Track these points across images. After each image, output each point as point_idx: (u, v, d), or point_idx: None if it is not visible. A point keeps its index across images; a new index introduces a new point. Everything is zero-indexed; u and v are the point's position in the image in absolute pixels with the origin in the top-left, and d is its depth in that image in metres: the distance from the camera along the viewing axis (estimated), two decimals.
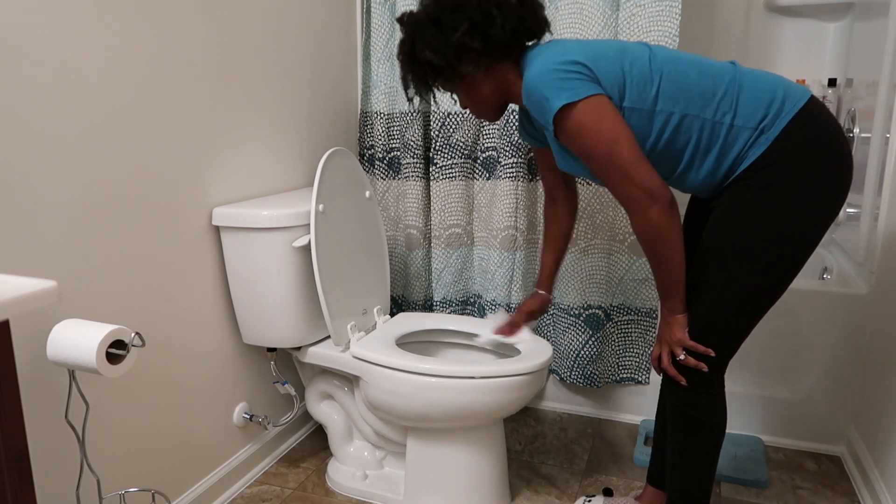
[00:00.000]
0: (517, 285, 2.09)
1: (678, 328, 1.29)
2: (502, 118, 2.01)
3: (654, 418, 2.13)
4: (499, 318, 1.71)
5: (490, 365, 1.52)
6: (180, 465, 1.60)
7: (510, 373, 1.51)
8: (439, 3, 1.29)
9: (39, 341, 1.22)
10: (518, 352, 1.64)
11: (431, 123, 2.12)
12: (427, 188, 2.19)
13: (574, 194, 1.61)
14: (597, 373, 2.09)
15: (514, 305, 2.11)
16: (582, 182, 1.98)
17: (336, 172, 1.71)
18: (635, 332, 2.06)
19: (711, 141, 1.23)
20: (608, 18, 1.88)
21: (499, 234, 2.08)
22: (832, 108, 2.42)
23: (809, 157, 1.18)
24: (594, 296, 2.04)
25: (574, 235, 2.03)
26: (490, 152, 2.07)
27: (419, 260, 2.22)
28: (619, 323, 2.07)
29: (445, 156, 2.11)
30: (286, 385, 1.84)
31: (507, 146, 2.01)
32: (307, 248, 1.65)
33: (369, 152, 2.25)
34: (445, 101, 2.07)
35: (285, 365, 1.99)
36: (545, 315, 2.14)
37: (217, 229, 1.65)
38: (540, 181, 2.06)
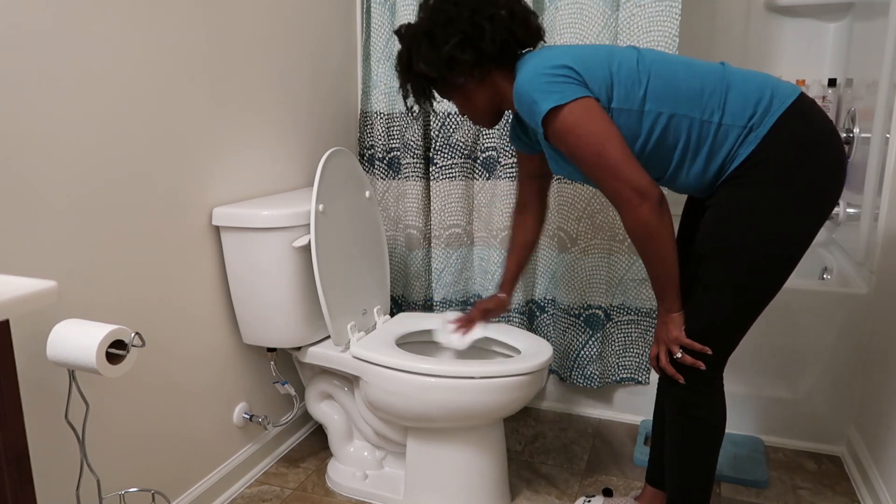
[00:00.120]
0: (517, 285, 2.09)
1: (674, 326, 1.29)
2: (501, 121, 2.01)
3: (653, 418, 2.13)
4: (451, 315, 1.74)
5: (490, 365, 1.52)
6: (180, 465, 1.60)
7: (510, 373, 1.51)
8: (433, 17, 1.33)
9: (39, 341, 1.22)
10: (518, 352, 1.64)
11: (431, 123, 2.12)
12: (427, 188, 2.19)
13: (545, 208, 1.66)
14: (597, 373, 2.09)
15: (514, 305, 2.11)
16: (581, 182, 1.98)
17: (336, 172, 1.71)
18: (635, 332, 2.06)
19: (701, 140, 1.24)
20: (608, 18, 1.88)
21: (499, 234, 2.08)
22: (832, 108, 2.42)
23: (800, 153, 1.19)
24: (594, 296, 2.04)
25: (574, 235, 2.03)
26: (490, 152, 2.07)
27: (419, 260, 2.22)
28: (619, 323, 2.07)
29: (445, 156, 2.11)
30: (286, 385, 1.84)
31: (507, 146, 2.01)
32: (307, 248, 1.66)
33: (369, 152, 2.25)
34: (445, 102, 2.07)
35: (285, 365, 1.99)
36: (545, 315, 2.14)
37: (217, 229, 1.65)
38: None
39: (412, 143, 2.13)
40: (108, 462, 1.41)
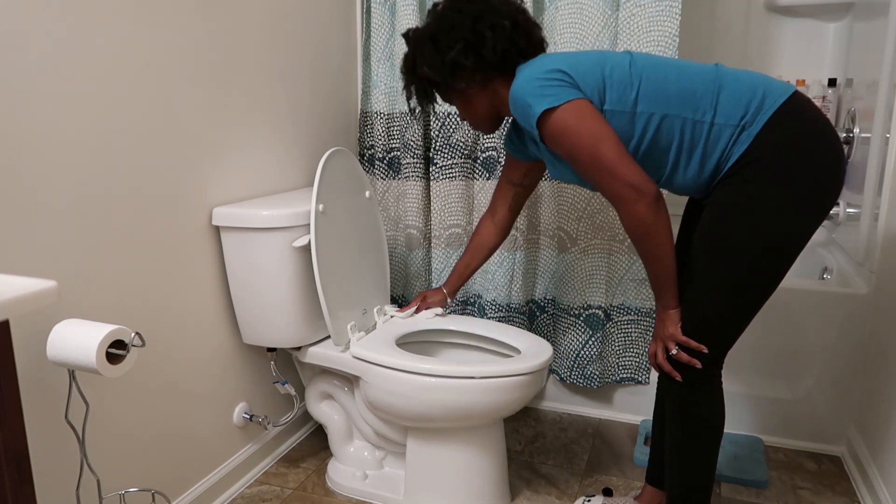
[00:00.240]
0: (517, 285, 2.09)
1: (671, 323, 1.30)
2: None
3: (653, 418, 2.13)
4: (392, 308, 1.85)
5: (490, 365, 1.52)
6: (180, 465, 1.60)
7: (510, 373, 1.51)
8: (438, 23, 1.37)
9: (39, 341, 1.22)
10: (518, 352, 1.64)
11: (431, 123, 2.12)
12: (427, 188, 2.19)
13: (513, 217, 1.70)
14: (597, 373, 2.09)
15: (513, 305, 2.11)
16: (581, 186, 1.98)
17: (336, 172, 1.71)
18: (635, 332, 2.06)
19: (694, 140, 1.25)
20: (608, 18, 1.88)
21: None
22: (832, 108, 2.42)
23: (794, 151, 1.19)
24: (594, 296, 2.04)
25: (574, 235, 2.03)
26: (490, 152, 2.07)
27: (419, 260, 2.22)
28: (619, 323, 2.07)
29: (445, 156, 2.11)
30: (286, 385, 1.84)
31: None
32: (307, 248, 1.66)
33: (369, 152, 2.25)
34: (446, 103, 2.07)
35: (285, 365, 1.99)
36: (545, 315, 2.14)
37: (217, 229, 1.65)
38: (541, 181, 2.06)
39: (412, 143, 2.13)
40: (108, 462, 1.41)
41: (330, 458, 1.88)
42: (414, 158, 2.14)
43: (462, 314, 2.16)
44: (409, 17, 2.05)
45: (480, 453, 1.64)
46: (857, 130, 2.08)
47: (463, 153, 2.10)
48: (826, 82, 2.46)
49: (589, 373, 2.09)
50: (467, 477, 1.64)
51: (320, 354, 1.72)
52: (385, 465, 1.81)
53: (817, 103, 2.38)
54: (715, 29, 2.61)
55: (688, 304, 1.29)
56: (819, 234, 2.47)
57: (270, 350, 1.80)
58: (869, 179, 1.87)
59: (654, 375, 2.08)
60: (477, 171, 2.11)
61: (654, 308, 2.02)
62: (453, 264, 2.18)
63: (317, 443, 2.04)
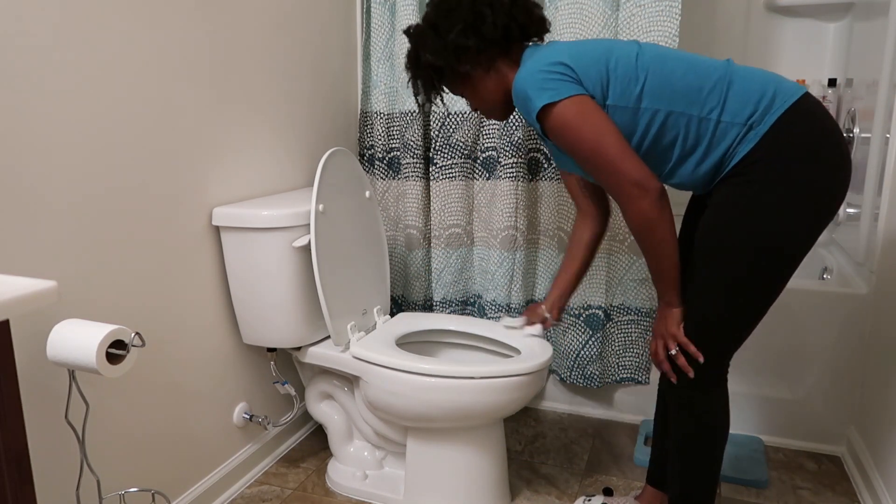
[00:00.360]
0: (517, 285, 2.09)
1: (672, 322, 1.29)
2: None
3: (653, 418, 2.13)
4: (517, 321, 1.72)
5: (490, 365, 1.52)
6: (180, 465, 1.60)
7: (510, 373, 1.51)
8: (436, 10, 1.36)
9: (39, 341, 1.22)
10: (518, 352, 1.64)
11: (431, 123, 2.12)
12: (427, 188, 2.19)
13: (599, 211, 1.56)
14: (597, 373, 2.09)
15: (513, 305, 2.11)
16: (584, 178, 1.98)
17: (336, 172, 1.71)
18: (635, 332, 2.06)
19: (699, 138, 1.23)
20: (608, 18, 1.88)
21: (499, 234, 2.08)
22: (832, 108, 2.42)
23: (801, 153, 1.18)
24: (594, 296, 2.04)
25: None
26: (490, 152, 2.07)
27: (419, 260, 2.22)
28: (619, 323, 2.07)
29: (445, 156, 2.11)
30: (286, 385, 1.84)
31: (507, 146, 2.01)
32: (307, 248, 1.65)
33: (369, 152, 2.25)
34: (447, 104, 2.07)
35: (285, 365, 1.99)
36: None
37: (217, 229, 1.65)
38: (540, 181, 2.06)
39: (412, 143, 2.13)
40: (108, 462, 1.41)
41: (330, 458, 1.88)
42: (414, 158, 2.14)
43: (462, 314, 2.16)
44: (409, 17, 2.05)
45: (480, 453, 1.64)
46: (857, 130, 2.08)
47: (463, 153, 2.10)
48: (826, 82, 2.46)
49: (589, 373, 2.09)
50: (467, 477, 1.64)
51: (320, 354, 1.72)
52: (385, 465, 1.81)
53: None
54: (715, 29, 2.61)
55: (689, 304, 1.28)
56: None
57: (270, 350, 1.80)
58: (869, 179, 1.87)
59: (655, 375, 2.08)
60: (477, 171, 2.11)
61: (654, 308, 2.02)
62: (453, 264, 2.18)
63: (317, 443, 2.04)
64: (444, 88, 1.44)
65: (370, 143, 2.24)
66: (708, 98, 1.21)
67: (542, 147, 2.04)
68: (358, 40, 2.21)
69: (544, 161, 2.04)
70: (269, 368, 1.90)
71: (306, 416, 2.11)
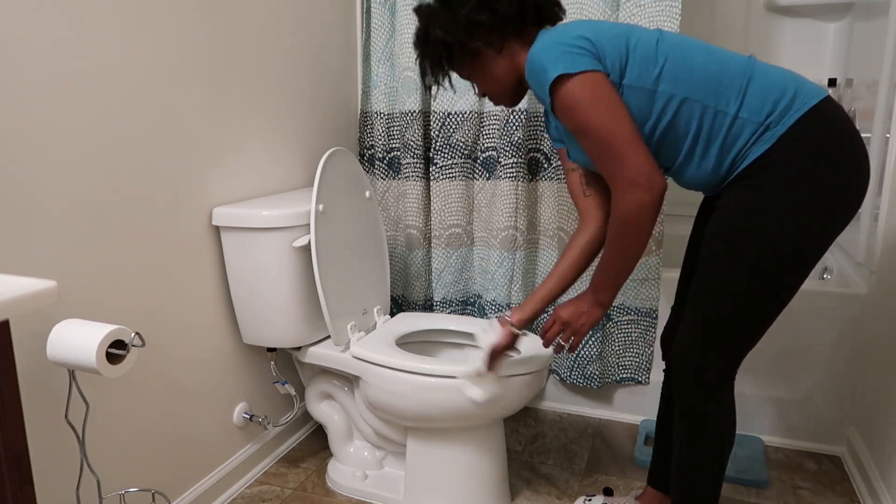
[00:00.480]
0: (517, 285, 2.09)
1: (591, 320, 1.29)
2: (503, 118, 2.01)
3: (653, 418, 2.13)
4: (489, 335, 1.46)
5: None
6: (180, 465, 1.60)
7: (510, 373, 1.51)
8: None
9: (39, 341, 1.22)
10: (518, 352, 1.64)
11: (431, 123, 2.12)
12: (427, 188, 2.19)
13: (602, 214, 1.42)
14: (597, 373, 2.09)
15: (513, 305, 2.11)
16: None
17: (336, 172, 1.71)
18: (635, 332, 2.06)
19: (713, 131, 1.19)
20: (608, 18, 1.88)
21: (499, 234, 2.08)
22: None
23: (817, 157, 1.14)
24: None
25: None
26: (490, 152, 2.07)
27: (419, 260, 2.22)
28: (619, 323, 2.07)
29: (445, 156, 2.11)
30: (286, 385, 1.84)
31: (507, 146, 2.01)
32: (307, 248, 1.65)
33: (369, 152, 2.25)
34: (445, 101, 2.07)
35: (285, 365, 1.99)
36: (544, 315, 2.14)
37: (217, 229, 1.65)
38: (540, 181, 2.06)
39: (412, 143, 2.13)
40: (108, 462, 1.41)
41: (330, 458, 1.88)
42: (414, 158, 2.14)
43: (462, 314, 2.16)
44: (409, 17, 2.05)
45: (480, 453, 1.64)
46: None
47: (463, 153, 2.10)
48: (826, 82, 2.46)
49: (589, 373, 2.09)
50: (467, 477, 1.64)
51: (320, 354, 1.72)
52: (385, 465, 1.81)
53: None
54: (715, 29, 2.61)
55: (695, 308, 1.26)
56: None
57: (270, 350, 1.80)
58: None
59: (655, 376, 2.08)
60: (477, 171, 2.11)
61: (654, 308, 2.01)
62: (453, 264, 2.18)
63: (317, 443, 2.04)
64: (453, 69, 1.35)
65: (370, 143, 2.24)
66: (727, 90, 1.17)
67: (542, 147, 2.04)
68: (358, 40, 2.21)
69: (544, 161, 2.04)
70: (269, 368, 1.90)
71: (306, 416, 2.11)
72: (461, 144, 2.09)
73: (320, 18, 2.00)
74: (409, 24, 2.06)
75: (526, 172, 2.04)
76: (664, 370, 1.52)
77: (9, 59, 1.13)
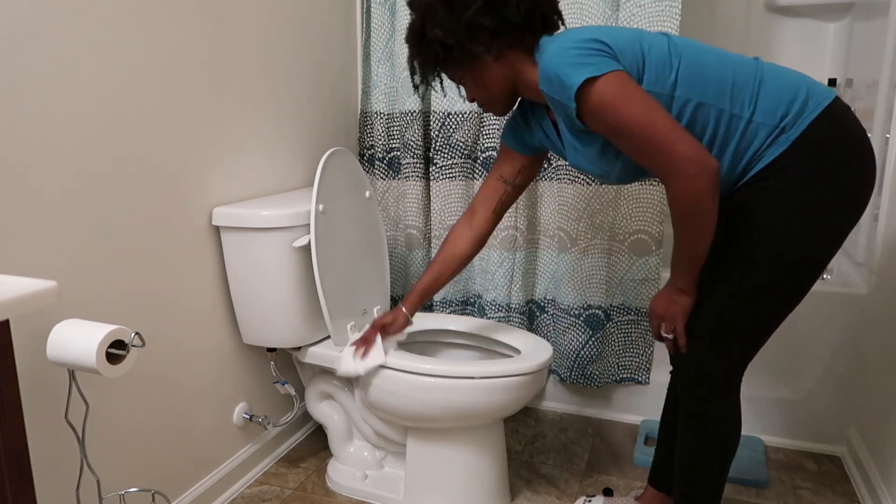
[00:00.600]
0: (517, 285, 2.10)
1: (680, 308, 1.26)
2: (503, 118, 2.01)
3: (654, 418, 2.13)
4: (354, 337, 1.60)
5: (490, 365, 1.52)
6: (180, 465, 1.60)
7: (510, 373, 1.51)
8: None
9: (39, 341, 1.22)
10: (518, 352, 1.64)
11: (431, 123, 2.12)
12: (427, 188, 2.19)
13: (492, 226, 1.53)
14: (597, 373, 2.09)
15: (513, 305, 2.11)
16: (582, 181, 1.98)
17: (336, 172, 1.71)
18: (635, 332, 2.06)
19: (728, 135, 1.18)
20: (608, 18, 1.88)
21: (499, 234, 2.08)
22: None
23: (831, 160, 1.14)
24: (594, 296, 2.04)
25: (574, 235, 2.02)
26: (490, 152, 2.07)
27: (419, 260, 2.22)
28: (619, 323, 2.07)
29: (445, 156, 2.11)
30: (286, 385, 1.84)
31: None
32: (307, 248, 1.65)
33: (369, 152, 2.25)
34: (445, 101, 2.07)
35: (285, 365, 1.99)
36: (545, 315, 2.14)
37: (217, 229, 1.65)
38: (540, 181, 2.06)
39: (412, 143, 2.13)
40: (108, 462, 1.41)
41: (330, 458, 1.88)
42: (414, 158, 2.14)
43: (462, 314, 2.16)
44: (409, 17, 2.04)
45: (480, 453, 1.64)
46: None
47: (463, 153, 2.10)
48: (826, 82, 2.46)
49: (589, 373, 2.09)
50: (467, 477, 1.64)
51: (320, 354, 1.72)
52: (385, 465, 1.81)
53: None
54: (715, 29, 2.61)
55: (708, 308, 1.25)
56: None
57: (270, 350, 1.80)
58: None
59: (655, 376, 2.08)
60: (477, 171, 2.11)
61: None
62: None
63: (317, 443, 2.04)
64: (445, 72, 1.31)
65: (370, 143, 2.24)
66: (740, 93, 1.16)
67: None
68: (358, 40, 2.21)
69: (544, 161, 2.04)
70: (269, 368, 1.90)
71: (306, 416, 2.11)
72: (461, 144, 2.09)
73: (320, 18, 2.00)
74: (408, 25, 2.06)
75: None
76: (671, 371, 1.52)
77: (9, 59, 1.13)
